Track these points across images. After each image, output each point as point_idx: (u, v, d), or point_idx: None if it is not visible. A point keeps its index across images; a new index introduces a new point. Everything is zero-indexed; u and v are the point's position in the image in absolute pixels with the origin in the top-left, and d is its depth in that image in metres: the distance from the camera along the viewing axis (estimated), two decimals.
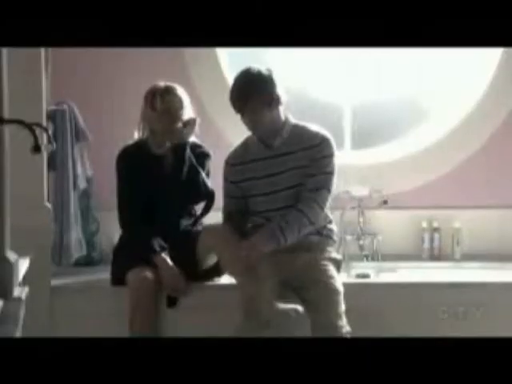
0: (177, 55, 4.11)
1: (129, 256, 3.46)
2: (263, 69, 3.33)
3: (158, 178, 3.51)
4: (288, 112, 3.43)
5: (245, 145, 3.47)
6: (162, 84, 3.53)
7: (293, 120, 3.42)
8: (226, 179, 3.50)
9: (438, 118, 4.45)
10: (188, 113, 3.52)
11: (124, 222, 3.55)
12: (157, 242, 3.43)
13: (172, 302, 3.41)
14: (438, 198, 4.34)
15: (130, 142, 3.62)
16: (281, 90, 3.34)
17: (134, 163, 3.55)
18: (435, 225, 4.29)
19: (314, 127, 3.42)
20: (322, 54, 4.24)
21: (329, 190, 3.34)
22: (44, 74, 3.55)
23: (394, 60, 4.35)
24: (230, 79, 4.22)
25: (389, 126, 4.45)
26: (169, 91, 3.49)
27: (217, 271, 3.50)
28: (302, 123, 3.43)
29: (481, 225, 4.28)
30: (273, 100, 3.30)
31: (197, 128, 3.52)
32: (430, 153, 4.37)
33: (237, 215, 3.47)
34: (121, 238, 3.61)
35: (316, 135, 3.37)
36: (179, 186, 3.47)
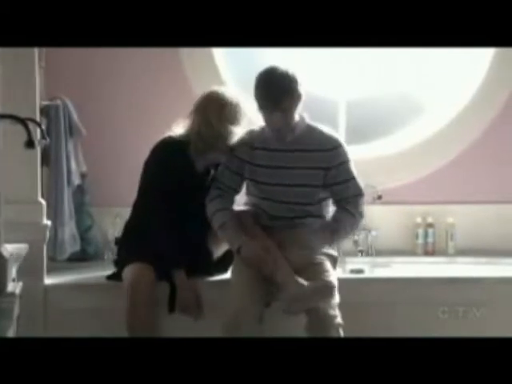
0: (172, 52, 4.10)
1: (132, 249, 3.42)
2: (289, 69, 3.32)
3: (195, 186, 3.47)
4: (304, 111, 3.42)
5: (261, 131, 3.45)
6: (234, 99, 3.40)
7: (307, 119, 3.43)
8: (233, 152, 3.44)
9: (432, 113, 4.45)
10: None
11: (150, 220, 3.40)
12: (179, 256, 3.37)
13: (172, 307, 3.37)
14: (432, 194, 4.34)
15: (173, 134, 3.47)
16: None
17: (179, 164, 3.42)
18: (429, 220, 4.30)
19: (327, 130, 3.44)
20: (317, 49, 4.23)
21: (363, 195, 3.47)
22: (38, 69, 3.54)
23: (389, 54, 4.34)
24: (226, 77, 4.24)
25: (383, 121, 4.45)
26: (239, 110, 3.40)
27: (227, 262, 3.49)
28: (315, 124, 3.44)
29: (475, 220, 4.29)
30: (300, 100, 3.33)
31: None
32: (424, 148, 4.37)
33: (229, 189, 3.46)
34: (129, 230, 3.53)
35: (330, 139, 3.40)
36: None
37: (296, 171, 3.36)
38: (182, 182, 3.42)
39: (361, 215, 3.42)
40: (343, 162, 3.39)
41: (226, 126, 3.35)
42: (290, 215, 3.39)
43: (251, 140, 3.43)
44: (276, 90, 3.28)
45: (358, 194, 3.42)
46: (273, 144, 3.40)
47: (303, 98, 3.34)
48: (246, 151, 3.43)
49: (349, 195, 3.40)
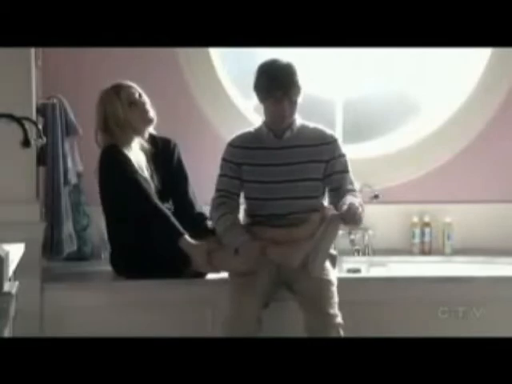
0: (168, 51, 4.09)
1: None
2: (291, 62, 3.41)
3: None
4: (300, 110, 3.46)
5: (253, 132, 3.50)
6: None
7: (300, 119, 3.49)
8: (225, 160, 3.49)
9: (429, 112, 4.45)
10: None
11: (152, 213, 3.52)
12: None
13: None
14: (428, 193, 4.34)
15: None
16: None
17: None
18: (426, 219, 4.30)
19: (320, 126, 3.52)
20: (313, 49, 4.23)
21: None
22: (34, 68, 3.53)
23: (386, 53, 4.34)
24: (223, 76, 4.24)
25: (380, 120, 4.46)
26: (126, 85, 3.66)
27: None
28: (308, 123, 3.50)
29: (472, 219, 4.29)
30: (300, 94, 3.39)
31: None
32: (421, 147, 4.37)
33: (231, 194, 3.48)
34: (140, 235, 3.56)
35: (326, 134, 3.48)
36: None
37: (297, 166, 3.40)
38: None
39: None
40: (342, 155, 3.46)
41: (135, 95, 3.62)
42: (294, 210, 3.39)
43: (245, 142, 3.47)
44: (286, 78, 3.34)
45: (352, 182, 3.46)
46: (271, 142, 3.44)
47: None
48: (240, 154, 3.46)
49: (347, 185, 3.42)
